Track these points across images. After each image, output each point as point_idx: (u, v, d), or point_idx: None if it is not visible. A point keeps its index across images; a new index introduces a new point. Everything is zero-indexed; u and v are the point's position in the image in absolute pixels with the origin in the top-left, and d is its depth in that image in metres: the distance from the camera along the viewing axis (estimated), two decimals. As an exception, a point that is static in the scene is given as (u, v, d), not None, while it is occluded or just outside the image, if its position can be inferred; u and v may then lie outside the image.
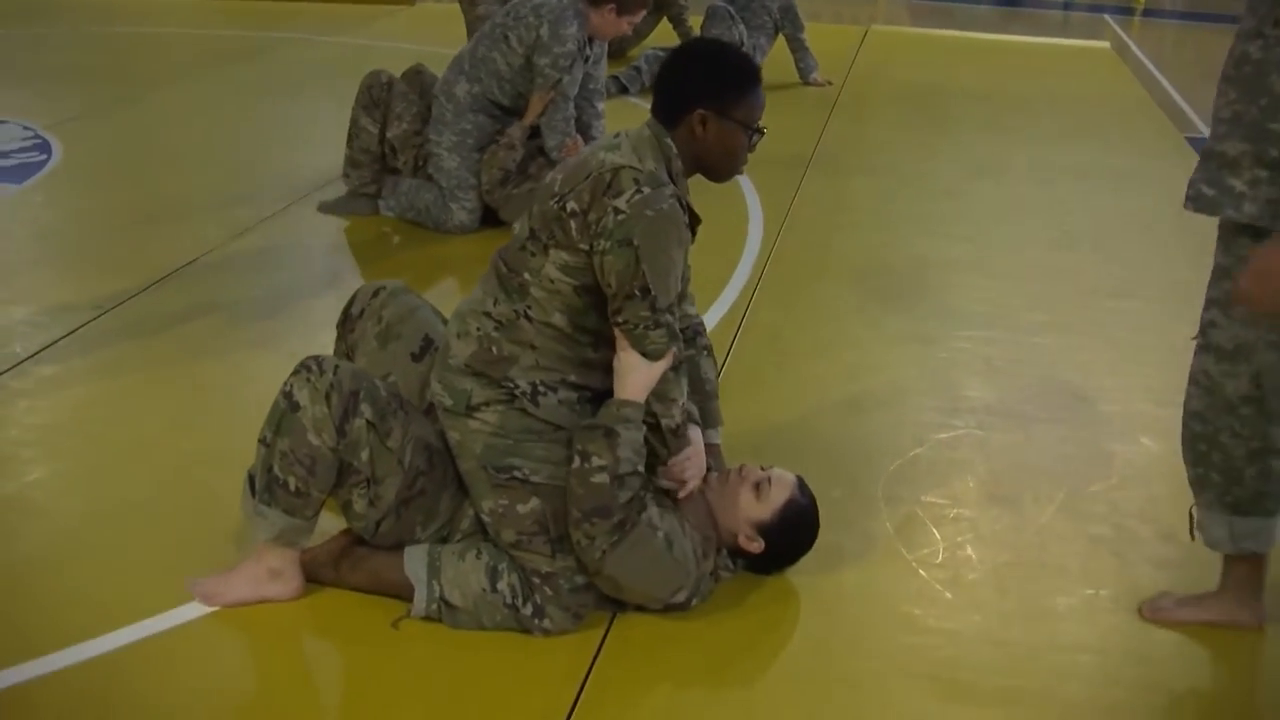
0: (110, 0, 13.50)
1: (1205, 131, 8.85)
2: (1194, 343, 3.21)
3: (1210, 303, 3.14)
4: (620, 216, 3.04)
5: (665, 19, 10.47)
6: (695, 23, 10.06)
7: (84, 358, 4.68)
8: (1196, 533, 3.30)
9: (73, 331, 4.86)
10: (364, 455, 3.12)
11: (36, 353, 4.67)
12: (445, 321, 3.61)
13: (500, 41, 6.03)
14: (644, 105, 8.79)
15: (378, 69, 6.40)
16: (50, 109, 8.28)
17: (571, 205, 3.09)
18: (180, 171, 7.20)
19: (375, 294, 3.66)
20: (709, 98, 3.18)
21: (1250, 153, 2.96)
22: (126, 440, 4.14)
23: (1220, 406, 3.16)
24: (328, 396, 3.09)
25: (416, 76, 6.36)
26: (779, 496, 3.35)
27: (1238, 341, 3.10)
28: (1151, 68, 11.58)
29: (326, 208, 6.36)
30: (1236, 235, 3.05)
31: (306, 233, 6.13)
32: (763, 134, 3.29)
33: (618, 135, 3.23)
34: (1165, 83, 10.89)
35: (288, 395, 3.12)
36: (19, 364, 4.59)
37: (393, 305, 3.62)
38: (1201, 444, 3.22)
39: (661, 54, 9.63)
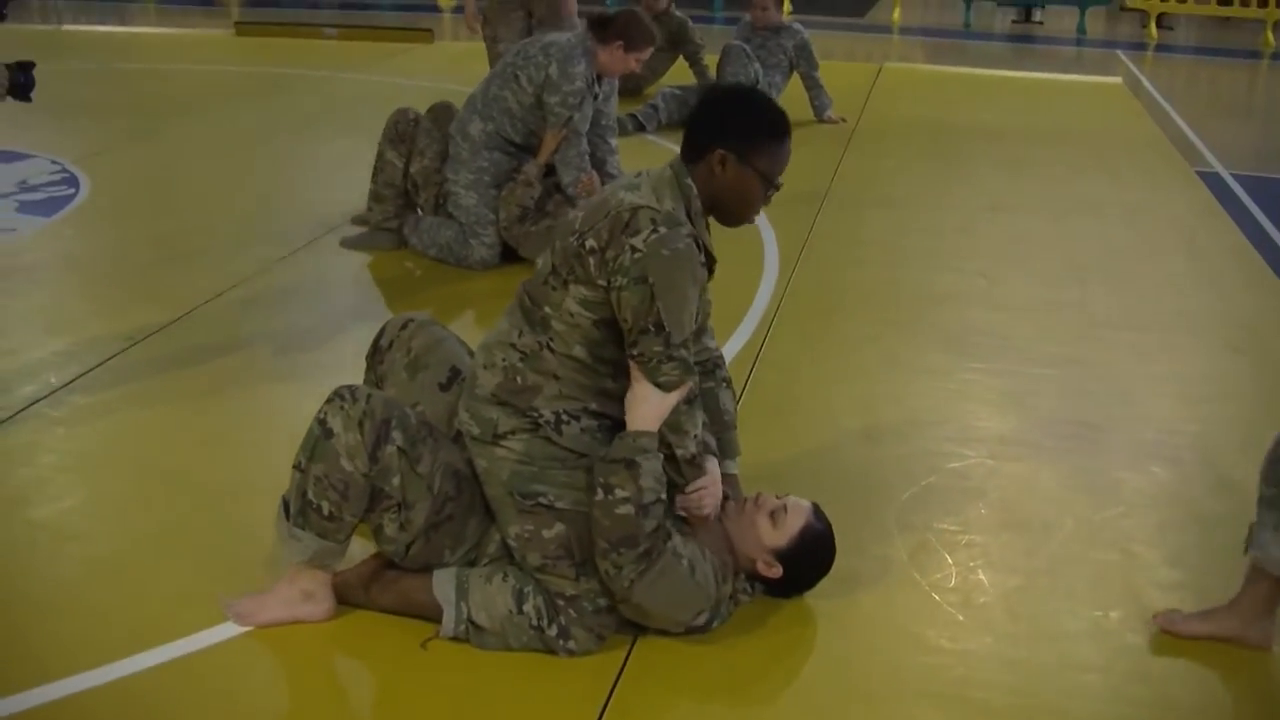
0: (133, 37, 13.75)
1: (1216, 166, 9.01)
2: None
3: None
4: (636, 255, 3.15)
5: (681, 57, 10.61)
6: (711, 61, 10.19)
7: (116, 388, 4.80)
8: (1253, 549, 3.37)
9: (105, 361, 4.99)
10: (395, 481, 3.23)
11: (70, 382, 4.80)
12: (471, 352, 3.73)
13: (511, 80, 6.15)
14: (661, 143, 8.96)
15: (405, 106, 6.52)
16: (77, 144, 8.44)
17: (590, 243, 3.20)
18: (206, 205, 7.34)
19: (404, 326, 3.79)
20: (733, 140, 3.30)
21: None
22: (158, 469, 4.25)
23: None
24: (361, 424, 3.20)
25: (444, 112, 6.50)
26: (795, 523, 3.45)
27: None
28: (1163, 102, 11.69)
29: (349, 243, 6.48)
30: None
31: (331, 268, 6.25)
32: (778, 188, 3.40)
33: (639, 175, 3.35)
34: (1176, 117, 11.00)
35: (322, 422, 3.22)
36: (53, 392, 4.71)
37: (421, 337, 3.74)
38: None
39: (679, 92, 9.77)
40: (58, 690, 3.10)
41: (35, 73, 4.33)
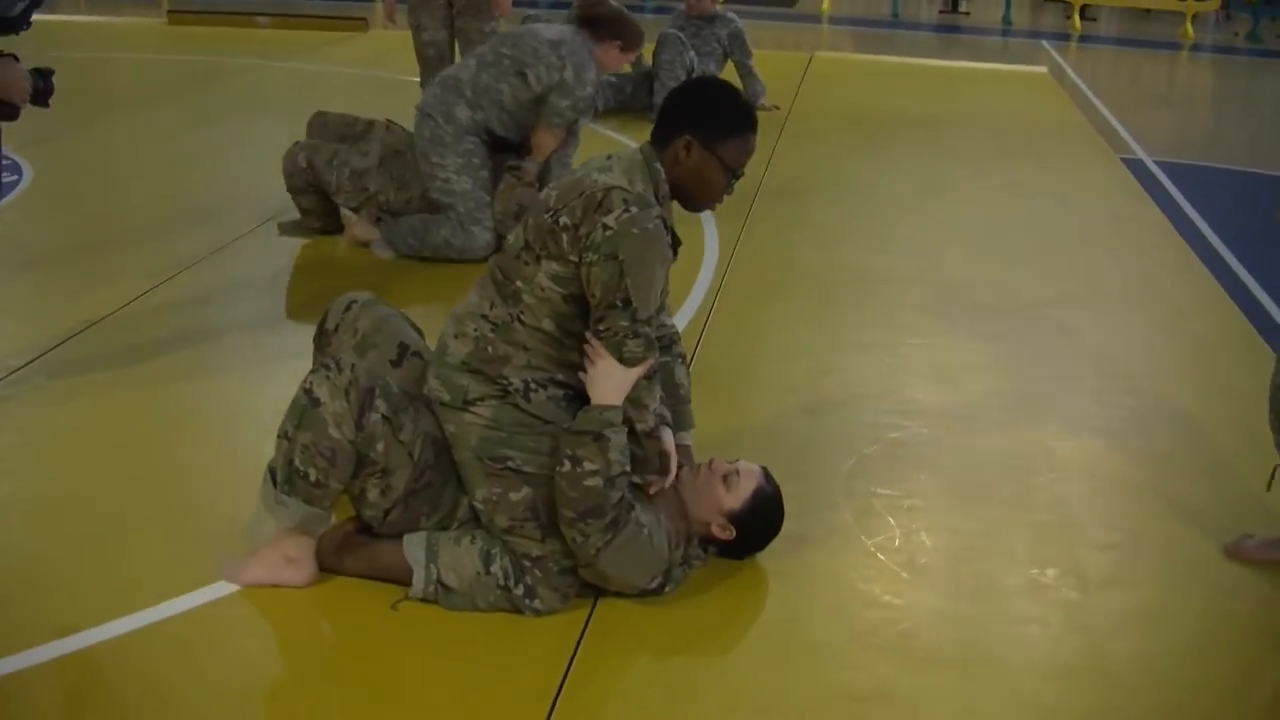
0: (64, 25, 13.66)
1: (1139, 153, 9.26)
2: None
3: None
4: (608, 232, 3.29)
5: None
6: (646, 50, 10.31)
7: (75, 369, 4.87)
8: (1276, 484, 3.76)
9: (62, 343, 5.06)
10: (380, 447, 3.35)
11: (29, 363, 4.87)
12: (415, 328, 3.88)
13: (510, 74, 6.03)
14: (599, 130, 9.05)
15: (290, 151, 6.34)
16: (17, 131, 8.37)
17: (564, 219, 3.33)
18: (150, 191, 7.40)
19: (348, 308, 3.88)
20: (700, 127, 3.45)
21: None
22: (122, 448, 4.33)
23: None
24: (347, 392, 3.31)
25: (322, 128, 6.52)
26: (747, 487, 3.61)
27: None
28: (1087, 91, 11.96)
29: (287, 229, 6.51)
30: None
31: (278, 251, 6.32)
32: (740, 177, 3.55)
33: (609, 157, 3.49)
34: (1100, 106, 11.27)
35: (308, 392, 3.33)
36: (12, 374, 4.78)
37: (366, 317, 3.84)
38: None
39: (614, 80, 9.89)
40: (31, 657, 3.19)
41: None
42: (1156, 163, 9.12)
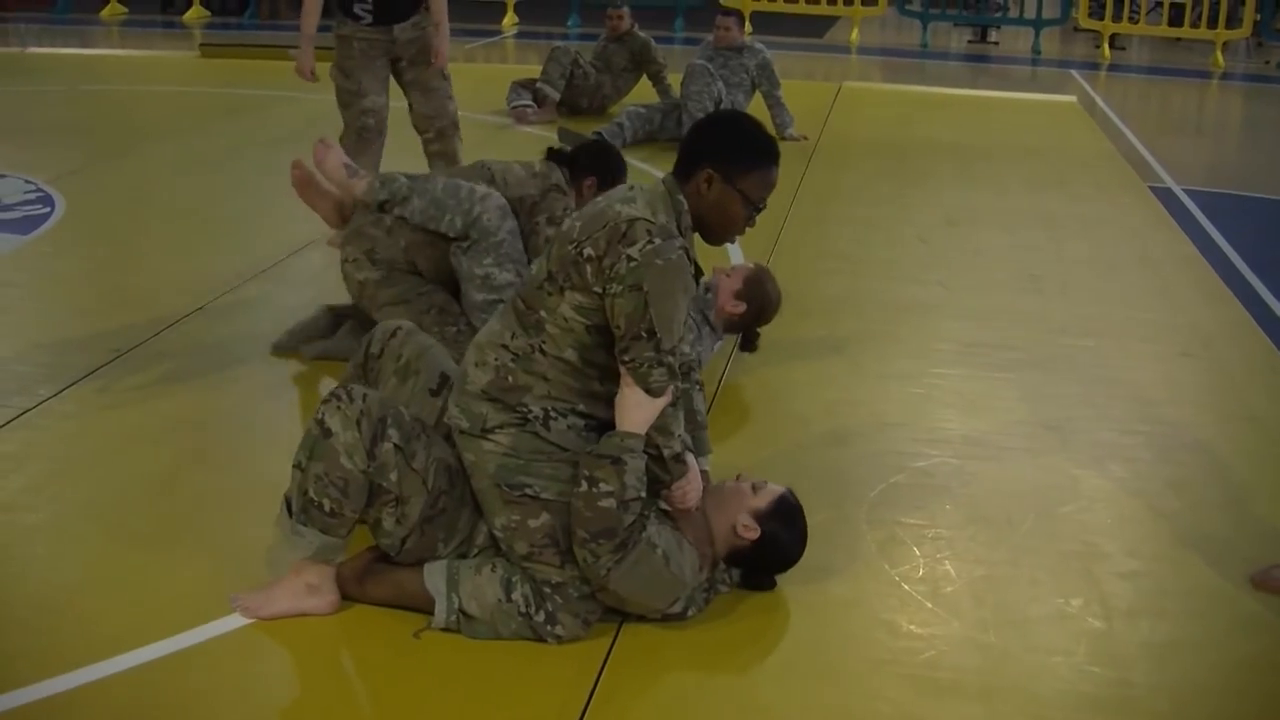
0: (99, 59, 13.84)
1: (1168, 181, 9.24)
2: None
3: None
4: (632, 263, 3.31)
5: (645, 76, 10.80)
6: (675, 81, 10.37)
7: (105, 397, 4.93)
8: None
9: (93, 372, 5.11)
10: (393, 477, 3.37)
11: (60, 392, 4.92)
12: (455, 359, 3.89)
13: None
14: (629, 161, 9.06)
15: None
16: (49, 164, 8.54)
17: (588, 251, 3.36)
18: (179, 222, 7.47)
19: (393, 334, 3.91)
20: (721, 160, 3.48)
21: None
22: (149, 475, 4.37)
23: None
24: (358, 422, 3.34)
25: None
26: (772, 492, 3.66)
27: None
28: (1116, 120, 11.95)
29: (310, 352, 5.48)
30: None
31: (307, 281, 6.37)
32: (761, 210, 3.57)
33: (631, 188, 3.52)
34: (1130, 134, 11.25)
35: (320, 423, 3.36)
36: (43, 402, 4.83)
37: (410, 344, 3.87)
38: None
39: (643, 111, 9.94)
40: (56, 686, 3.21)
41: (7, 94, 4.36)
42: (1186, 191, 9.10)
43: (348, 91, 6.91)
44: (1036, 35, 17.03)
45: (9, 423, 4.67)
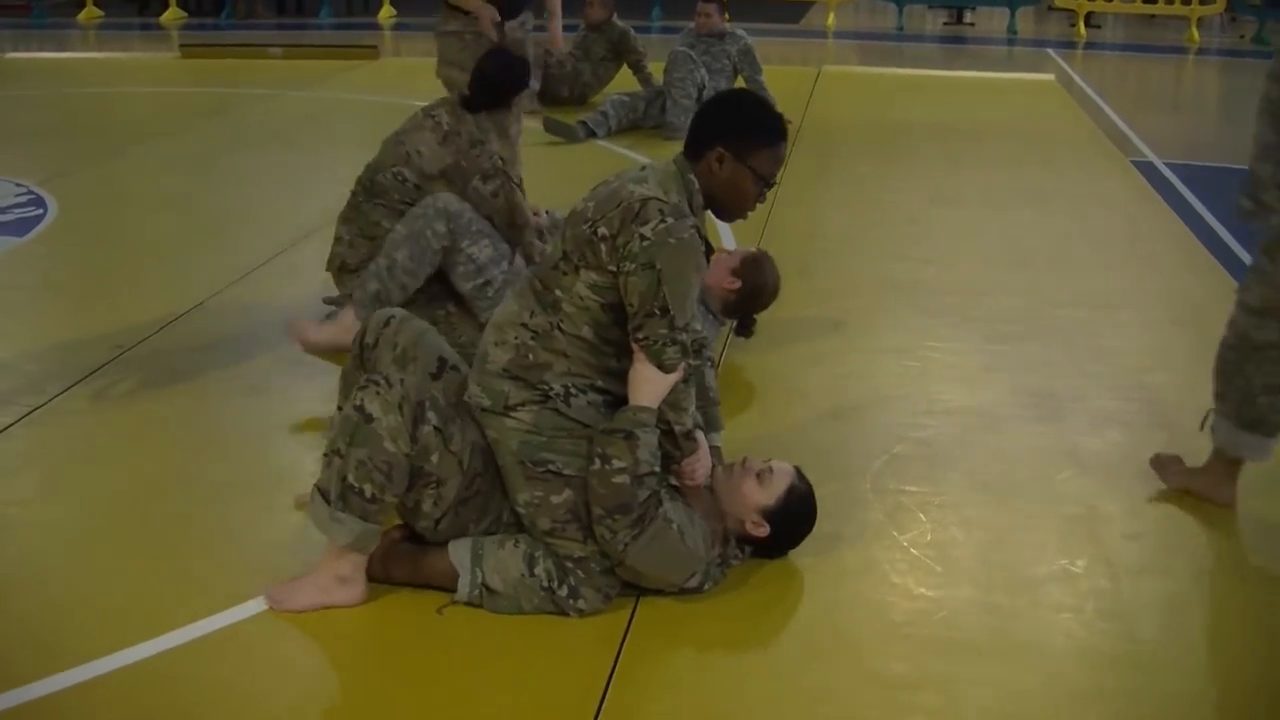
0: (79, 62, 13.84)
1: (1149, 155, 9.33)
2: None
3: (1250, 270, 4.02)
4: (645, 242, 3.37)
5: (626, 65, 10.86)
6: (655, 68, 10.43)
7: (113, 392, 4.98)
8: (1209, 428, 4.16)
9: (97, 370, 5.16)
10: (434, 459, 3.42)
11: (67, 389, 4.97)
12: (454, 341, 3.95)
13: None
14: (613, 149, 9.16)
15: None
16: (38, 166, 8.57)
17: (602, 230, 3.42)
18: (172, 218, 7.52)
19: (386, 323, 3.91)
20: (732, 139, 3.54)
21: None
22: (162, 465, 4.43)
23: (1247, 348, 3.99)
24: (400, 407, 3.38)
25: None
26: (780, 484, 3.69)
27: (1265, 303, 3.91)
28: (1095, 97, 12.04)
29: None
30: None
31: (300, 276, 6.39)
32: (772, 186, 3.64)
33: (644, 168, 3.58)
34: (1109, 111, 11.34)
35: (360, 409, 3.38)
36: (51, 400, 4.87)
37: (405, 332, 3.89)
38: (1229, 370, 4.06)
39: (626, 99, 10.00)
40: (83, 674, 3.27)
41: None
42: (1167, 164, 9.19)
43: (456, 65, 6.66)
44: (1012, 15, 17.12)
45: (20, 420, 4.71)
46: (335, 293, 5.61)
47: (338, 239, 5.46)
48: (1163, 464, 4.29)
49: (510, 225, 5.33)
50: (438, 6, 6.99)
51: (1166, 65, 15.25)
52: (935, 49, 16.08)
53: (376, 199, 5.36)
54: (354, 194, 5.47)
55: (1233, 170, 9.14)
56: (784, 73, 12.25)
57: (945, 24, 17.95)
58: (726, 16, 10.38)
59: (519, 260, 5.22)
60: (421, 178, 5.32)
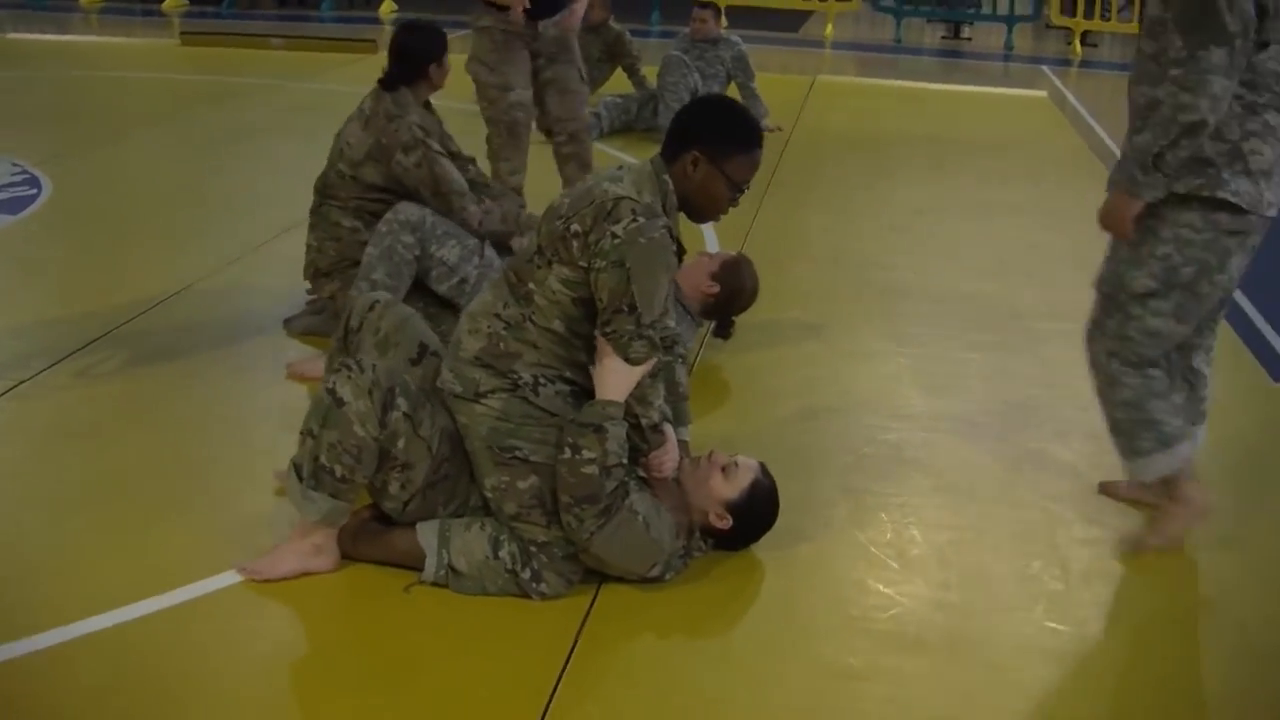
0: (79, 45, 13.91)
1: (1134, 174, 9.38)
2: None
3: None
4: (616, 240, 3.46)
5: (620, 68, 10.93)
6: (651, 72, 10.52)
7: (98, 370, 5.08)
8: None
9: (85, 346, 5.25)
10: (401, 444, 3.53)
11: (53, 364, 5.06)
12: (436, 331, 4.04)
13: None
14: (604, 150, 9.23)
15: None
16: (35, 147, 8.66)
17: (575, 227, 3.51)
18: (166, 203, 7.62)
19: (370, 308, 4.02)
20: (707, 143, 3.63)
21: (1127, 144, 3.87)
22: (144, 441, 4.52)
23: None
24: (370, 392, 3.49)
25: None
26: (744, 478, 3.79)
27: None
28: (1087, 116, 12.10)
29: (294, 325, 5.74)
30: None
31: (290, 261, 6.45)
32: (743, 192, 3.73)
33: (621, 168, 3.68)
34: (1099, 129, 11.41)
35: (331, 392, 3.50)
36: (37, 375, 4.97)
37: (388, 317, 4.00)
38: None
39: (619, 101, 10.10)
40: (60, 635, 3.38)
41: None
42: (1152, 184, 9.26)
43: (493, 86, 6.50)
44: (1009, 31, 17.20)
45: (4, 394, 4.80)
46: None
47: (308, 247, 5.49)
48: (1112, 487, 4.39)
49: (436, 195, 5.24)
50: (437, 3, 6.97)
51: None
52: (931, 62, 16.15)
53: (329, 199, 5.41)
54: (314, 201, 5.49)
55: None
56: (779, 81, 12.33)
57: (943, 38, 18.03)
58: (723, 23, 10.46)
59: (489, 252, 5.26)
60: (352, 166, 5.33)
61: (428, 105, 5.45)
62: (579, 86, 6.78)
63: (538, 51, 6.62)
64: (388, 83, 5.36)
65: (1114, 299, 3.94)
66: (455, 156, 5.50)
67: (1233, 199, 3.67)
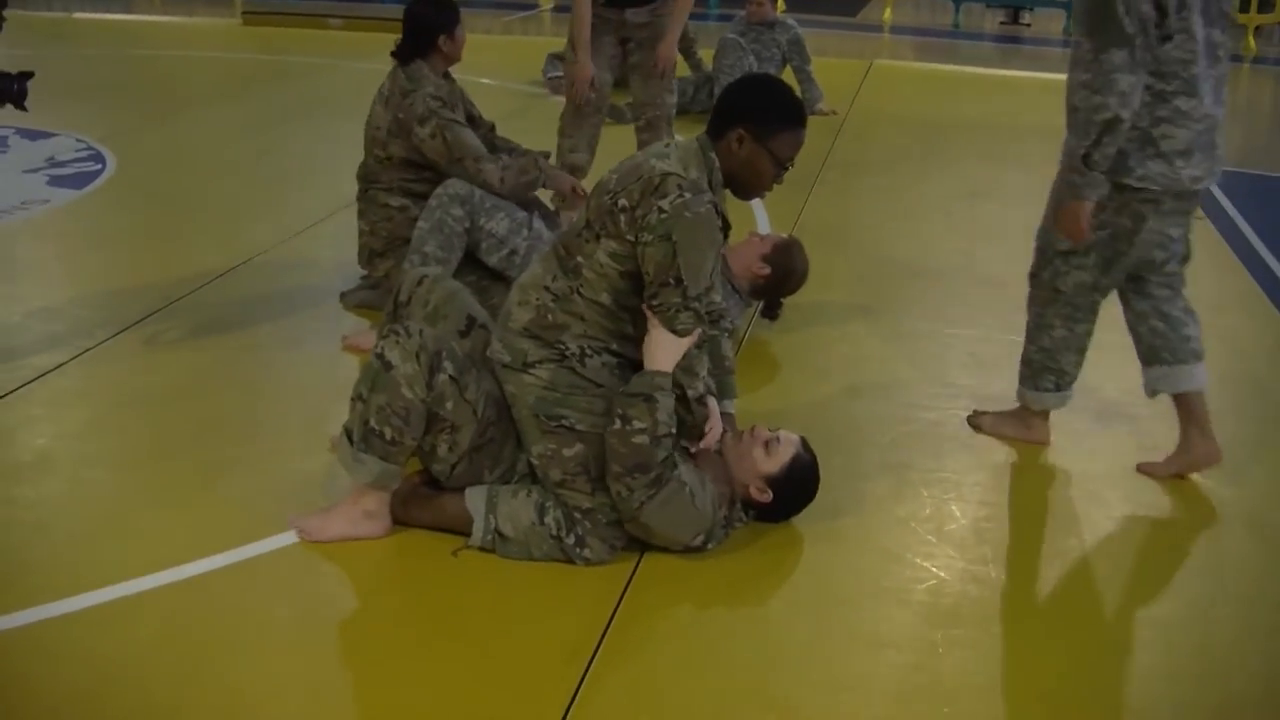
0: (142, 24, 14.12)
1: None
2: None
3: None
4: (663, 215, 3.56)
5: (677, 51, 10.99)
6: (707, 55, 10.58)
7: (160, 339, 5.23)
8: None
9: (148, 316, 5.40)
10: (449, 406, 3.64)
11: (117, 333, 5.22)
12: (488, 304, 4.15)
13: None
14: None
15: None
16: (99, 123, 8.84)
17: (623, 201, 3.61)
18: (226, 180, 7.78)
19: (420, 282, 4.13)
20: (752, 121, 3.72)
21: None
22: (203, 407, 4.66)
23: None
24: (417, 355, 3.59)
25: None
26: (786, 453, 3.87)
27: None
28: (1142, 102, 12.08)
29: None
30: None
31: (347, 241, 6.58)
32: (788, 169, 3.82)
33: (668, 145, 3.77)
34: (1154, 116, 11.38)
35: (380, 357, 3.62)
36: (102, 343, 5.12)
37: (437, 291, 4.10)
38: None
39: (676, 83, 10.15)
40: (121, 590, 3.52)
41: (49, 69, 4.54)
42: (1208, 171, 9.25)
43: (569, 63, 6.66)
44: (1069, 17, 17.14)
45: (71, 360, 4.96)
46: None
47: (360, 232, 5.62)
48: (976, 420, 4.73)
49: (452, 162, 5.29)
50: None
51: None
52: (990, 48, 16.14)
53: (372, 184, 5.54)
54: (359, 189, 5.63)
55: (1276, 179, 9.25)
56: (835, 65, 12.35)
57: (1002, 23, 17.99)
58: (780, 6, 10.51)
59: (537, 224, 5.34)
60: (383, 148, 5.44)
61: (447, 76, 5.54)
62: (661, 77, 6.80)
63: (627, 36, 6.69)
64: (401, 55, 5.47)
65: (1044, 253, 4.48)
66: (474, 121, 5.61)
67: (1137, 184, 4.11)
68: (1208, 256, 7.05)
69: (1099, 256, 4.32)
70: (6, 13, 4.41)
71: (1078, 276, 4.39)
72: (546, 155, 5.65)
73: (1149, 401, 4.98)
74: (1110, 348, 5.75)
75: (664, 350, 3.66)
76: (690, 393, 3.78)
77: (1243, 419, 4.91)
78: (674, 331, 3.63)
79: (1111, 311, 4.60)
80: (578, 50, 6.54)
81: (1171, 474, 4.38)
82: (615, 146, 6.86)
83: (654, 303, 3.62)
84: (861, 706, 3.19)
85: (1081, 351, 4.55)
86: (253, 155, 8.43)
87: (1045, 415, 4.62)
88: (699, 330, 3.69)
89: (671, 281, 3.58)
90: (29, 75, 4.35)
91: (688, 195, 3.58)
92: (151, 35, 13.35)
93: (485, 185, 5.26)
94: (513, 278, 5.10)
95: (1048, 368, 4.53)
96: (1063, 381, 4.55)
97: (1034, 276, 4.53)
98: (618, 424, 3.61)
